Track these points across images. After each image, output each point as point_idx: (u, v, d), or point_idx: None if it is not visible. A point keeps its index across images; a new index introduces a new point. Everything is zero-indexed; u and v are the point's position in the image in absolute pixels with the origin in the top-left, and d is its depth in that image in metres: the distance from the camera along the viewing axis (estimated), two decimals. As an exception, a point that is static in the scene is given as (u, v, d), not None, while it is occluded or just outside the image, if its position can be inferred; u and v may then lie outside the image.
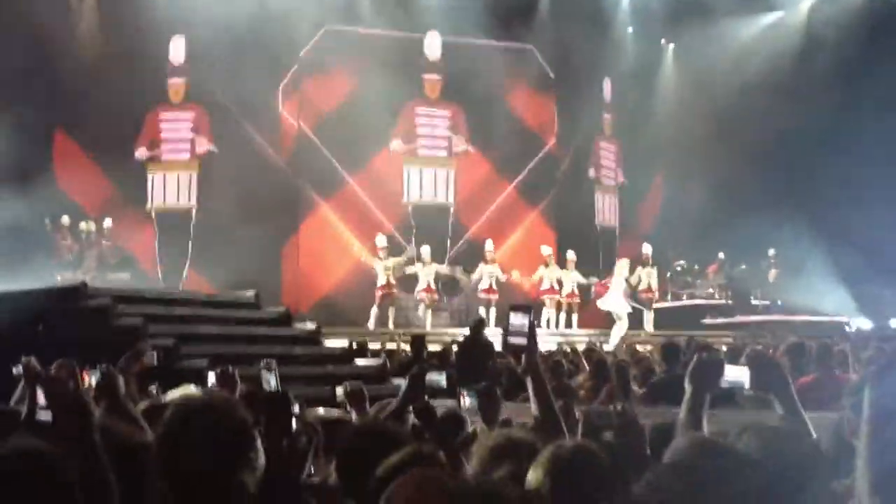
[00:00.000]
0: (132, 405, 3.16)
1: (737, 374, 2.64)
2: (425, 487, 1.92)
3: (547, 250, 15.32)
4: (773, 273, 16.13)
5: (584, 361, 8.80)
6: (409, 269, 14.81)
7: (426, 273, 14.76)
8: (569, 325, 15.08)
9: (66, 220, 13.90)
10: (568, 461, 2.16)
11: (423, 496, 1.89)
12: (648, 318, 15.32)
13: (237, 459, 2.16)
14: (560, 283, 15.07)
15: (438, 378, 4.44)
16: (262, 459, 2.20)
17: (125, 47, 14.35)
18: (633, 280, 15.05)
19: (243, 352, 6.31)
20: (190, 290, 12.04)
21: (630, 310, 14.51)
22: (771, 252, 16.12)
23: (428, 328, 13.95)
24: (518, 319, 2.73)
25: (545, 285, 15.05)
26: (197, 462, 2.13)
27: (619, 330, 14.14)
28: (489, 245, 15.06)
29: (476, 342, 9.19)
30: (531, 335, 2.75)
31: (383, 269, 14.45)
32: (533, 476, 2.14)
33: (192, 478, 2.13)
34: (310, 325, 8.07)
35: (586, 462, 2.18)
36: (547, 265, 15.12)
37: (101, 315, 6.61)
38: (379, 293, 14.45)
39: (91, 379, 3.31)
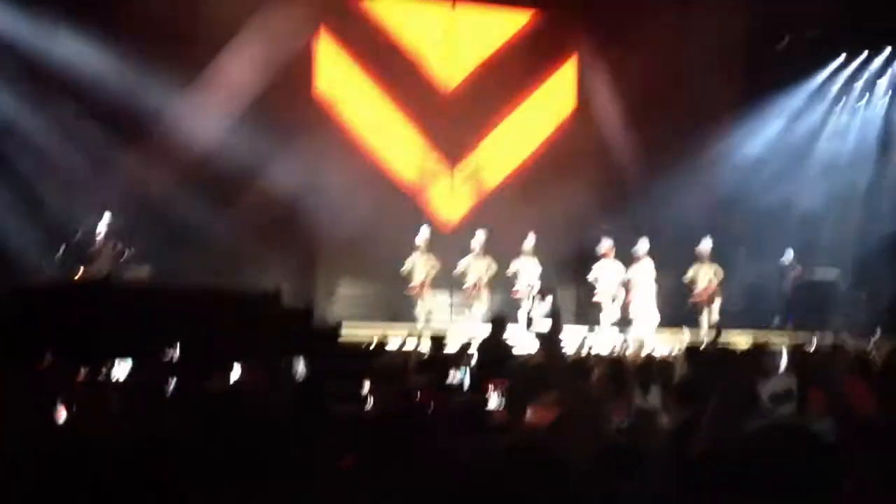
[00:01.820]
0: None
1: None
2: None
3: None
4: None
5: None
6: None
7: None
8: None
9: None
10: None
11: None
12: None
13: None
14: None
15: (460, 375, 4.46)
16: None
17: None
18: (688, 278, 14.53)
19: (265, 345, 6.35)
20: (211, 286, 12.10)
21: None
22: None
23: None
24: (543, 305, 2.78)
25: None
26: None
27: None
28: None
29: (496, 340, 9.18)
30: (555, 319, 2.79)
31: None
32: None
33: None
34: (331, 321, 8.11)
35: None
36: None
37: (125, 309, 6.66)
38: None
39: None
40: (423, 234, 14.46)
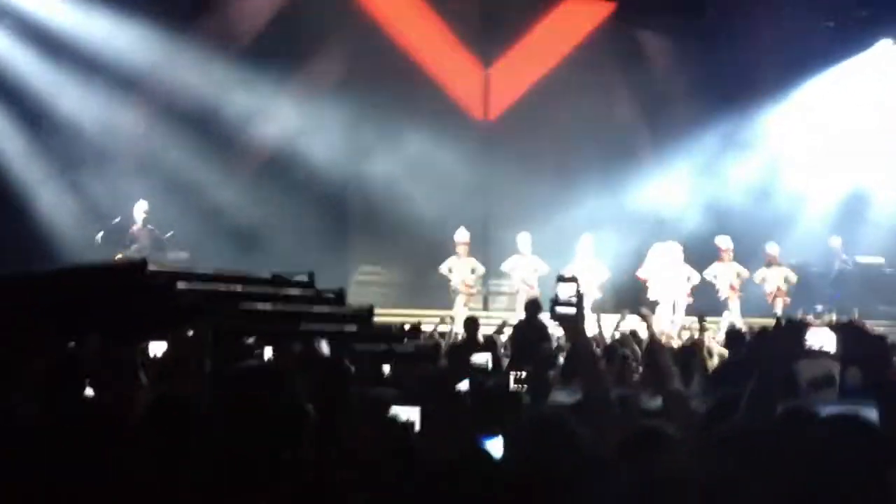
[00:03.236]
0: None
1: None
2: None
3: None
4: None
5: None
6: None
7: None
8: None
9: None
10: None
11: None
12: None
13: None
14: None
15: (483, 359, 4.46)
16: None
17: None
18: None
19: (298, 329, 6.40)
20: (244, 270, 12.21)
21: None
22: None
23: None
24: (566, 290, 2.76)
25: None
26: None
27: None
28: None
29: (531, 324, 9.18)
30: (579, 305, 2.76)
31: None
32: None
33: None
34: (363, 304, 8.12)
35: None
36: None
37: (164, 292, 6.73)
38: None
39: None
40: (462, 235, 14.30)
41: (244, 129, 14.98)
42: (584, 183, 15.36)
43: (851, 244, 15.82)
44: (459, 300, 14.14)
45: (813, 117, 16.35)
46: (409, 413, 2.85)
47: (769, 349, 2.61)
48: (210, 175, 14.54)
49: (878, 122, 16.31)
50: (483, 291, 15.26)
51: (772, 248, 14.55)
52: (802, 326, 2.64)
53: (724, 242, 14.48)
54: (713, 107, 16.06)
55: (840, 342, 2.47)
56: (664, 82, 16.42)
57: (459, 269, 14.19)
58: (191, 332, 3.91)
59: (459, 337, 10.81)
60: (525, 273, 14.17)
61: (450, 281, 14.26)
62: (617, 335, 9.77)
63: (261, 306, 7.20)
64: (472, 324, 9.96)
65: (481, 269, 14.31)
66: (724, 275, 14.40)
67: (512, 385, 4.12)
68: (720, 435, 2.25)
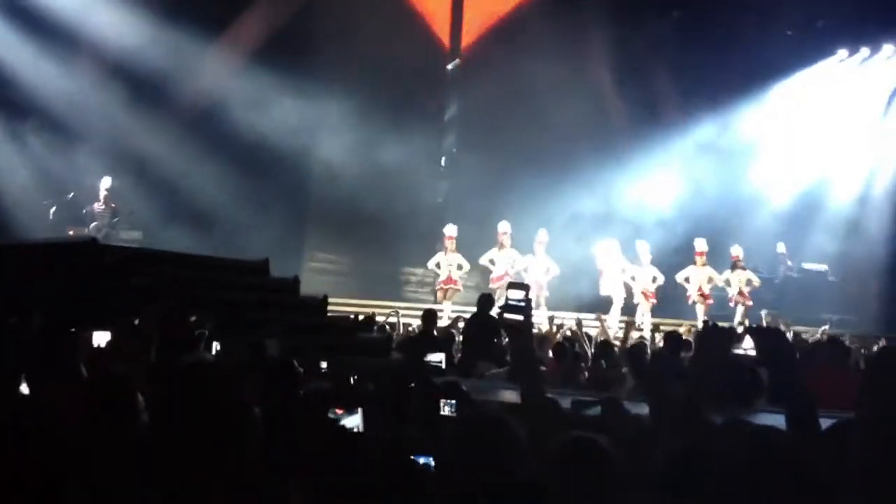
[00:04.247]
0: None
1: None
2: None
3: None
4: None
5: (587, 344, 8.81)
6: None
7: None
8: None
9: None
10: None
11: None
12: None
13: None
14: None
15: (436, 358, 4.47)
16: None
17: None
18: (719, 284, 14.38)
19: (251, 318, 6.33)
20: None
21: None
22: None
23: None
24: (515, 296, 2.78)
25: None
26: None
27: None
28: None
29: (482, 320, 9.20)
30: (527, 313, 2.78)
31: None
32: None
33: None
34: (317, 295, 8.07)
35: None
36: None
37: (112, 272, 6.62)
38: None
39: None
40: (451, 230, 14.16)
41: (200, 106, 14.76)
42: (550, 178, 15.34)
43: (798, 250, 16.10)
44: (440, 295, 14.03)
45: (773, 125, 16.62)
46: (352, 419, 2.85)
47: (699, 355, 2.66)
48: (166, 154, 14.31)
49: (833, 131, 16.63)
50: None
51: (736, 251, 14.53)
52: (731, 332, 2.68)
53: (699, 245, 14.44)
54: (680, 110, 16.26)
55: (755, 346, 2.54)
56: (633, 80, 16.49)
57: (447, 264, 14.03)
58: (138, 321, 3.84)
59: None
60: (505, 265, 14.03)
61: (437, 276, 14.15)
62: (568, 333, 9.85)
63: (216, 293, 7.13)
64: (429, 316, 9.86)
65: (467, 265, 14.15)
66: (696, 278, 14.32)
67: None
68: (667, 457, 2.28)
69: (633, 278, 14.20)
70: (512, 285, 2.81)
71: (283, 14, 15.19)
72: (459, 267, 14.04)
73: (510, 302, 2.73)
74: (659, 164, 15.97)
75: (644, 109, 16.38)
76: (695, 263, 14.35)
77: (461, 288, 14.19)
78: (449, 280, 13.95)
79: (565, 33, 15.36)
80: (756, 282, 14.54)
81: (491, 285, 13.48)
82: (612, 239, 14.45)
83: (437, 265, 14.10)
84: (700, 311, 14.19)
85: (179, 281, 7.07)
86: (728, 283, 14.46)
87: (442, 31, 16.68)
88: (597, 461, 2.15)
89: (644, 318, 13.79)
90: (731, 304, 14.41)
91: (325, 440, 2.45)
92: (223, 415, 2.18)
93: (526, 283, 3.05)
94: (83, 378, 2.48)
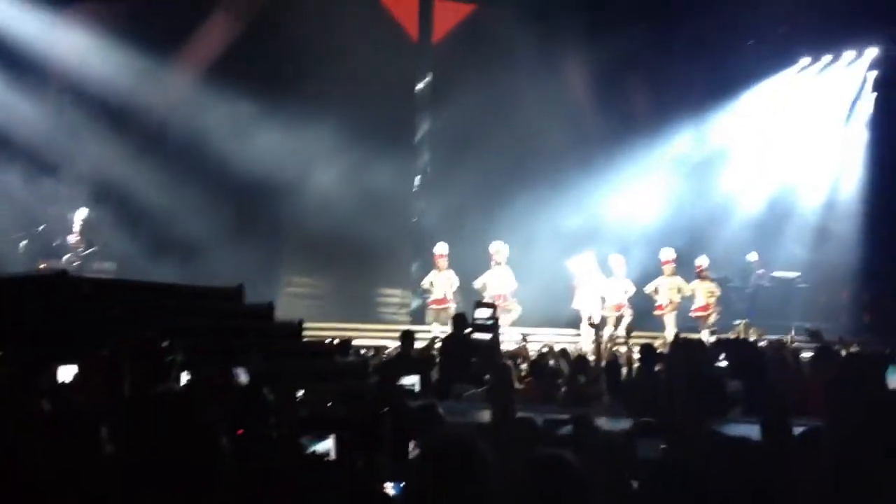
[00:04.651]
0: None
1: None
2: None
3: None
4: None
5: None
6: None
7: None
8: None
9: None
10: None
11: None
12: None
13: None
14: None
15: (410, 381, 4.45)
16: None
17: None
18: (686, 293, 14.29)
19: (225, 344, 6.30)
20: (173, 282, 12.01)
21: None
22: None
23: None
24: (482, 314, 2.79)
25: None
26: None
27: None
28: None
29: (459, 339, 9.17)
30: (494, 330, 2.79)
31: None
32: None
33: None
34: (292, 319, 8.04)
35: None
36: None
37: (84, 304, 6.56)
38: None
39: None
40: (442, 248, 13.99)
41: (170, 133, 14.69)
42: (516, 193, 15.38)
43: (770, 258, 16.22)
44: (431, 315, 13.84)
45: (741, 134, 16.81)
46: (324, 445, 2.84)
47: (671, 368, 2.68)
48: (137, 182, 14.21)
49: (800, 138, 16.84)
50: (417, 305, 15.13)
51: (701, 261, 14.52)
52: (700, 344, 2.71)
53: (666, 254, 14.38)
54: (654, 121, 16.40)
55: (727, 358, 2.56)
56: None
57: (441, 283, 13.81)
58: (107, 353, 3.80)
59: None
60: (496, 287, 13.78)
61: (430, 295, 13.97)
62: (545, 350, 9.85)
63: (187, 321, 7.10)
64: (406, 338, 9.79)
65: (457, 282, 13.94)
66: (665, 289, 14.27)
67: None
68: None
69: (603, 295, 14.14)
70: (479, 304, 2.83)
71: (237, 28, 15.10)
72: (451, 285, 13.86)
73: (477, 321, 2.74)
74: (636, 176, 16.04)
75: (620, 122, 16.48)
76: (663, 273, 14.34)
77: (452, 309, 13.66)
78: (443, 300, 13.64)
79: (538, 48, 15.46)
80: (718, 292, 14.47)
81: (432, 305, 13.63)
82: (589, 252, 14.45)
83: (431, 284, 13.92)
84: (670, 321, 14.14)
85: (151, 311, 7.04)
86: (694, 293, 14.38)
87: (412, 46, 16.70)
88: (563, 476, 2.15)
89: (618, 332, 13.79)
90: (695, 315, 14.38)
91: (295, 467, 2.43)
92: (190, 445, 2.16)
93: (493, 301, 3.06)
94: (45, 412, 2.45)
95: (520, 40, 15.51)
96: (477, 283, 13.77)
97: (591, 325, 11.53)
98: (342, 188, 14.89)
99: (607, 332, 13.51)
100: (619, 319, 14.06)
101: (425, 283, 14.10)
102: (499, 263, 13.92)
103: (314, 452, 2.72)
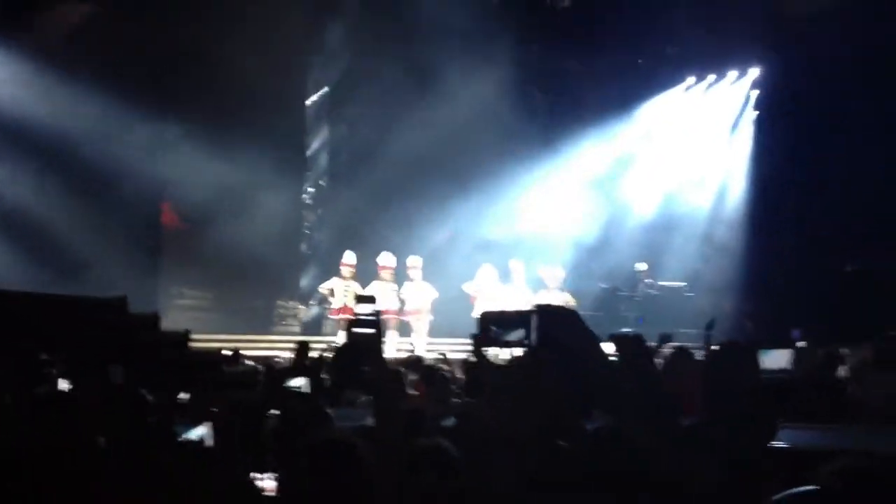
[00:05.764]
0: None
1: None
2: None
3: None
4: None
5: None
6: None
7: None
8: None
9: None
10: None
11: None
12: None
13: None
14: None
15: (300, 383, 4.38)
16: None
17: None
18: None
19: (106, 354, 6.07)
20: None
21: None
22: None
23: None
24: (363, 310, 2.77)
25: None
26: None
27: None
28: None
29: (352, 344, 9.09)
30: (377, 325, 2.77)
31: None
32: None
33: None
34: (178, 330, 7.81)
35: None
36: None
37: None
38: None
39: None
40: (349, 258, 13.80)
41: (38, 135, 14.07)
42: (428, 204, 15.39)
43: (658, 268, 16.72)
44: (334, 325, 13.68)
45: (634, 148, 17.31)
46: (197, 431, 2.74)
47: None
48: (8, 190, 13.62)
49: (687, 154, 17.45)
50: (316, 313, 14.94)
51: (544, 272, 14.75)
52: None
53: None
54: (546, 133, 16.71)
55: (618, 353, 2.64)
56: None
57: (343, 292, 13.48)
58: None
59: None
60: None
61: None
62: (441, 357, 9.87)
63: (64, 332, 6.80)
64: (301, 348, 9.68)
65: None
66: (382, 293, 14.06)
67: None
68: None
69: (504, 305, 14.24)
70: (360, 299, 2.80)
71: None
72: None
73: (359, 316, 2.72)
74: (536, 187, 16.31)
75: (519, 135, 16.69)
76: (548, 289, 14.53)
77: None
78: (344, 309, 13.20)
79: (442, 62, 15.56)
80: (573, 302, 14.41)
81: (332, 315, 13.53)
82: (488, 265, 14.54)
83: (331, 291, 13.67)
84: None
85: (28, 320, 6.74)
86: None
87: (305, 55, 16.55)
88: (442, 463, 2.15)
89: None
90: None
91: (170, 456, 2.38)
92: (66, 446, 2.09)
93: (373, 295, 3.03)
94: None
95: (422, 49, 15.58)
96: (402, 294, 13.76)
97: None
98: (233, 200, 14.61)
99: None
100: None
101: (324, 289, 13.88)
102: (412, 280, 13.92)
103: (187, 439, 2.65)
